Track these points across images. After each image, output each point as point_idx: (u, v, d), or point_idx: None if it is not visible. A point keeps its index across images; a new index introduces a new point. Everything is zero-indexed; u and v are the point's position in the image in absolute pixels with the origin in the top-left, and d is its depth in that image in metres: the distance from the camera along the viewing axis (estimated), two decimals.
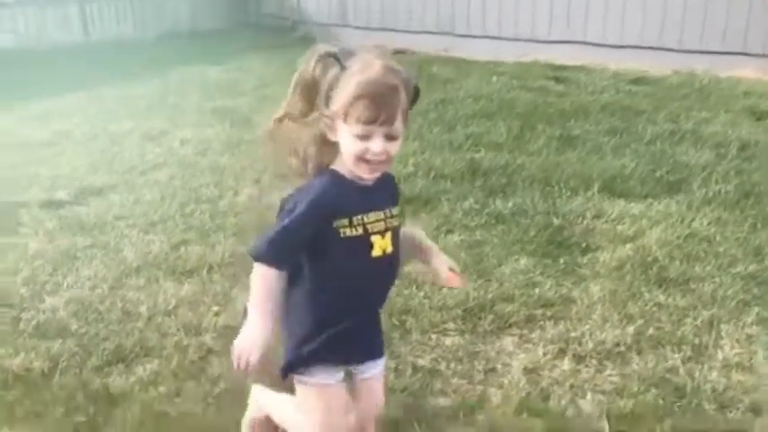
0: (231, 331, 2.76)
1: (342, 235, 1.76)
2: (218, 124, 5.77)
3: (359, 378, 1.97)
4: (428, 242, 2.03)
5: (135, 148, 5.21)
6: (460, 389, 2.58)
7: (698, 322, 2.93)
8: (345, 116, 1.69)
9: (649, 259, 3.43)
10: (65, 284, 3.26)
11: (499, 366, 2.70)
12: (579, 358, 2.73)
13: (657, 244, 3.58)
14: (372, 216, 1.80)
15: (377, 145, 1.71)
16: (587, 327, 2.91)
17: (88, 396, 2.49)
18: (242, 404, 2.25)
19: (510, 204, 4.04)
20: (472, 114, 5.87)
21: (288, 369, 1.88)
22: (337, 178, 1.79)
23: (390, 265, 1.87)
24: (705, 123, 5.70)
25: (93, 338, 2.83)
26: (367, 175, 1.77)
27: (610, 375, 2.64)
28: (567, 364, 2.70)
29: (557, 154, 4.94)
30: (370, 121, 1.68)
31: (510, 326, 2.95)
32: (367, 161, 1.73)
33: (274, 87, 6.69)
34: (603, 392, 2.55)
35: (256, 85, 7.07)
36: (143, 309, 3.03)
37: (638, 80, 7.41)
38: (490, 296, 3.10)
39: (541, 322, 2.97)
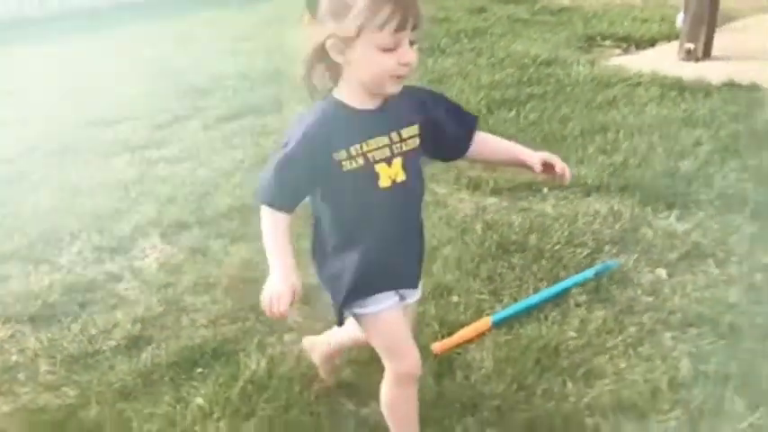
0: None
1: (344, 168, 1.64)
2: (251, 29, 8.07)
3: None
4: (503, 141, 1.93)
5: (174, 52, 7.51)
6: None
7: None
8: (363, 29, 1.51)
9: None
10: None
11: None
12: None
13: None
14: (373, 143, 1.65)
15: (408, 54, 1.55)
16: None
17: None
18: None
19: None
20: None
21: (339, 314, 1.84)
22: (334, 106, 1.65)
23: (406, 193, 1.75)
24: (526, 44, 6.97)
25: None
26: (395, 91, 1.62)
27: None
28: None
29: None
30: (401, 27, 1.51)
31: None
32: (398, 77, 1.58)
33: None
34: None
35: None
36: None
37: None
38: None
39: None
